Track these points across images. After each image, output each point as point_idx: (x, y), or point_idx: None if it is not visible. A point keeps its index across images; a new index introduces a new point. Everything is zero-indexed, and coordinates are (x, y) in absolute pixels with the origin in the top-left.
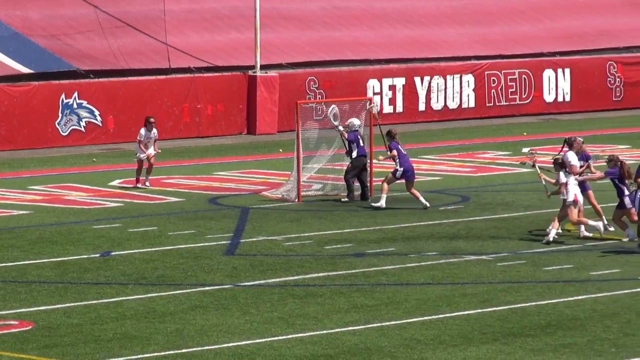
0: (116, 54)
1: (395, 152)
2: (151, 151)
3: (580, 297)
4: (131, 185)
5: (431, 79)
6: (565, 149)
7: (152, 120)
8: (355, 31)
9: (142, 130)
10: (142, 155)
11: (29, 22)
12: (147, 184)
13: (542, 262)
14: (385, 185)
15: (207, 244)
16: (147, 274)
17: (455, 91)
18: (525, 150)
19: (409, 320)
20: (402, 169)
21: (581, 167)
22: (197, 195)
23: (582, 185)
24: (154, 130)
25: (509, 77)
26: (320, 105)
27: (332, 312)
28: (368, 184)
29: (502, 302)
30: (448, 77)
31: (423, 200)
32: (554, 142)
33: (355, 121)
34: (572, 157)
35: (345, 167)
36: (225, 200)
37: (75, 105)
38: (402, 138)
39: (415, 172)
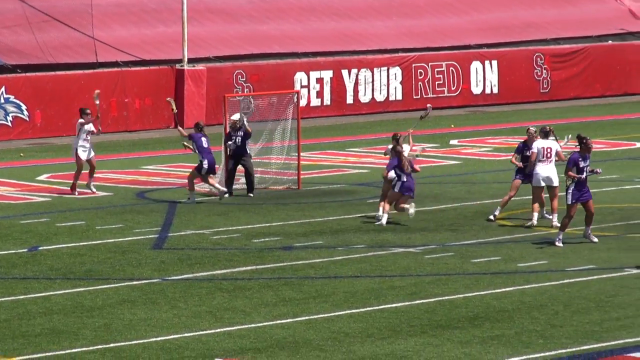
0: (43, 48)
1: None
2: (91, 153)
3: (507, 289)
4: (59, 180)
5: (359, 71)
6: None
7: (88, 111)
8: (282, 24)
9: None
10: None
11: None
12: (93, 188)
13: (469, 254)
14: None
15: (135, 238)
16: (75, 269)
17: (382, 84)
18: None
19: (337, 313)
20: (206, 161)
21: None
22: (125, 190)
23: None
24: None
25: (436, 70)
26: (248, 99)
27: (260, 306)
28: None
29: (430, 295)
30: (375, 69)
31: (220, 188)
32: (481, 134)
33: (235, 117)
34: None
35: (275, 160)
36: (153, 194)
37: (2, 100)
38: (330, 131)
39: (344, 164)
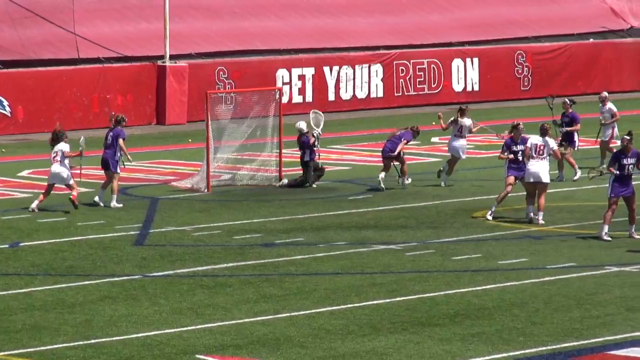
0: (25, 44)
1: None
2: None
3: (488, 287)
4: (40, 176)
5: (340, 68)
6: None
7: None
8: (264, 21)
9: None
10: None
11: None
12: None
13: (450, 252)
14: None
15: (116, 234)
16: (56, 265)
17: (363, 81)
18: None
19: (318, 310)
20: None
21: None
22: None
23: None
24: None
25: (417, 67)
26: (230, 95)
27: (241, 303)
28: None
29: (411, 292)
30: (357, 66)
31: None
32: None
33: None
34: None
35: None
36: (135, 191)
37: None
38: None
39: (325, 162)
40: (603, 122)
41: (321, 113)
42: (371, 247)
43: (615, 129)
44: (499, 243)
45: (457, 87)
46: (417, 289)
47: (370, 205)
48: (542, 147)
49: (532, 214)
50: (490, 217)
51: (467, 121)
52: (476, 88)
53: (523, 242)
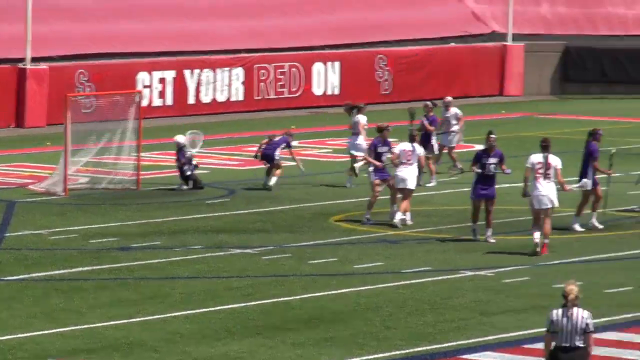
0: None
1: None
2: None
3: (343, 291)
4: None
5: (201, 72)
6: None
7: None
8: (125, 24)
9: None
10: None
11: None
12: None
13: (307, 256)
14: None
15: None
16: None
17: (224, 84)
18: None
19: (173, 314)
20: None
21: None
22: None
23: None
24: None
25: (278, 71)
26: (90, 98)
27: (96, 307)
28: None
29: (266, 296)
30: (218, 70)
31: None
32: (322, 135)
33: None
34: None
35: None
36: None
37: None
38: (172, 131)
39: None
40: (451, 129)
41: (201, 133)
42: (228, 250)
43: (461, 134)
44: (355, 247)
45: (318, 90)
46: (272, 293)
47: (227, 209)
48: (410, 153)
49: (397, 218)
50: (366, 222)
51: (362, 118)
52: (337, 92)
53: (379, 246)
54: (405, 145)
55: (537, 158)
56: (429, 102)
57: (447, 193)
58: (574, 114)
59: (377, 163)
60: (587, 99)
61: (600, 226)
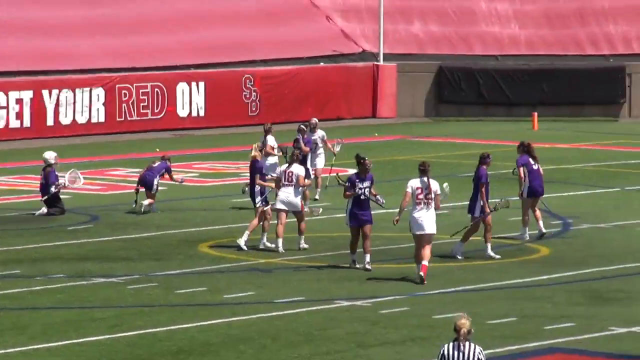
0: None
1: None
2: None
3: (213, 321)
4: None
5: (60, 92)
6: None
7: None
8: None
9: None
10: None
11: None
12: None
13: (174, 285)
14: None
15: None
16: None
17: (84, 105)
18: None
19: (34, 347)
20: None
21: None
22: None
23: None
24: None
25: (141, 91)
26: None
27: None
28: None
29: (132, 327)
30: (77, 90)
31: None
32: (187, 158)
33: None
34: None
35: None
36: None
37: None
38: (29, 155)
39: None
40: (318, 151)
41: (81, 177)
42: (91, 280)
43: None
44: (225, 275)
45: (182, 112)
46: (138, 324)
47: (90, 236)
48: (290, 174)
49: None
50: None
51: (270, 139)
52: (202, 113)
53: (250, 275)
54: (285, 167)
55: (416, 183)
56: (302, 125)
57: (321, 219)
58: (449, 137)
59: (267, 184)
60: (462, 121)
61: (497, 256)
